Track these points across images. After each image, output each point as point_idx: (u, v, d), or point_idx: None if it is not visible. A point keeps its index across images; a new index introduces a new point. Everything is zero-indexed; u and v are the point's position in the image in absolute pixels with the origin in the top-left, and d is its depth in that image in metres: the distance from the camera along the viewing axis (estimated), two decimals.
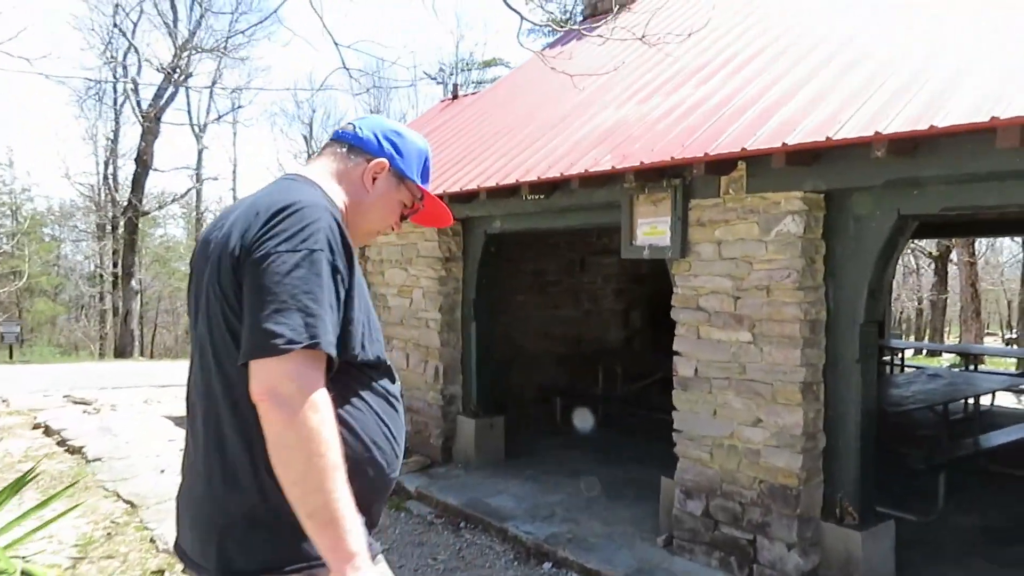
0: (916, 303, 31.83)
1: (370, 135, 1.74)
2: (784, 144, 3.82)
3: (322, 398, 1.38)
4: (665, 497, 5.03)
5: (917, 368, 9.91)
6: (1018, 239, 26.21)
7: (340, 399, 1.50)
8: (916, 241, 24.04)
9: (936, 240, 22.04)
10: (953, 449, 5.44)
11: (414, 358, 7.22)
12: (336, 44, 4.49)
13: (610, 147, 5.11)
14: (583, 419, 8.03)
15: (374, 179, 1.72)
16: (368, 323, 1.59)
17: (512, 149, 6.28)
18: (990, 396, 9.34)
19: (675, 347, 4.81)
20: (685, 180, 4.69)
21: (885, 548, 4.30)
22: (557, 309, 9.18)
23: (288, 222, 1.43)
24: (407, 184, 1.78)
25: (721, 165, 4.35)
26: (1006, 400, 9.94)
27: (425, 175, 1.83)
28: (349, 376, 1.54)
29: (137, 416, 9.31)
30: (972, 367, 10.16)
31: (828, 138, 3.65)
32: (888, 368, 10.59)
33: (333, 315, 1.43)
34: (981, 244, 24.90)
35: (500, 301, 7.95)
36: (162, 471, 6.29)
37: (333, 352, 1.42)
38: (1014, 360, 13.78)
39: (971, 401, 7.43)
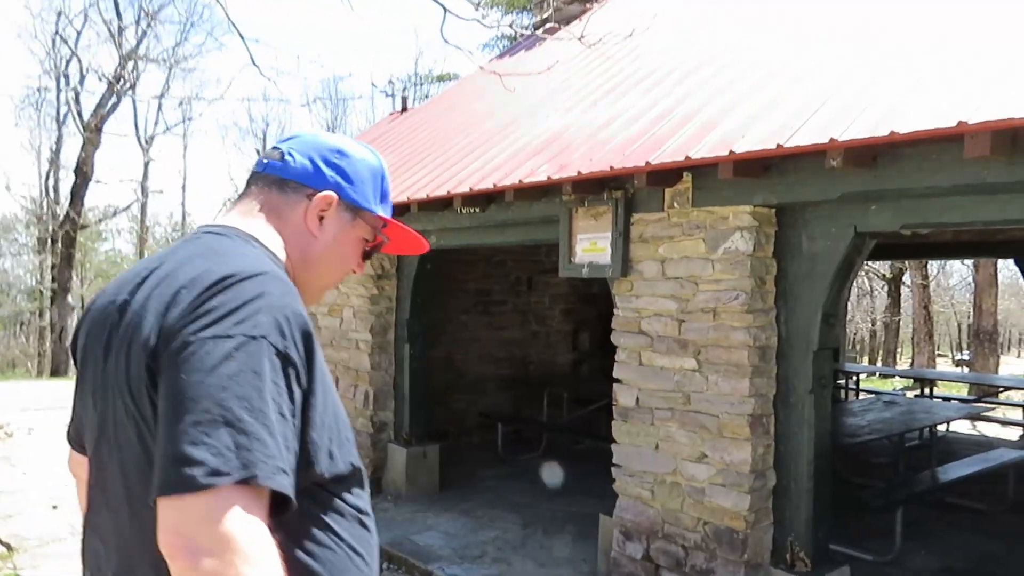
0: (870, 325, 32.14)
1: (305, 161, 1.30)
2: (731, 152, 3.46)
3: (261, 549, 0.94)
4: (604, 537, 4.61)
5: (872, 393, 9.68)
6: (968, 262, 26.61)
7: (299, 535, 1.09)
8: (870, 264, 24.29)
9: (890, 263, 22.20)
10: (910, 484, 5.11)
11: (344, 382, 6.72)
12: (242, 37, 4.04)
13: (548, 156, 4.72)
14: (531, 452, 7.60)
15: (321, 219, 1.30)
16: (336, 424, 1.16)
17: (448, 159, 5.86)
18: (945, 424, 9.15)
19: (615, 374, 4.41)
20: (627, 193, 4.32)
21: None
22: (502, 330, 8.75)
23: (221, 298, 1.02)
24: (364, 215, 1.35)
25: (665, 176, 3.98)
26: (960, 426, 9.75)
27: (384, 197, 1.40)
28: (311, 500, 1.11)
29: (53, 441, 8.63)
30: (928, 392, 9.96)
31: (779, 145, 3.29)
32: (843, 393, 10.36)
33: (284, 426, 1.00)
34: (932, 267, 25.20)
35: (440, 322, 7.50)
36: (55, 507, 5.68)
37: (282, 486, 0.97)
38: (965, 384, 13.71)
39: (927, 429, 7.18)
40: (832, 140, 3.11)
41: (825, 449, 3.88)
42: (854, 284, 28.69)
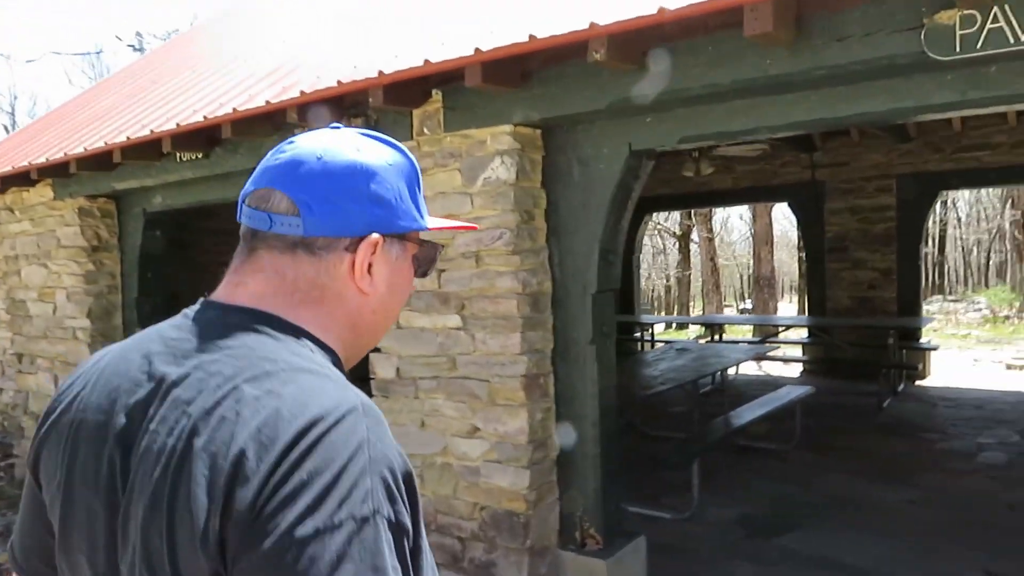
0: (665, 281, 33.82)
1: (329, 207, 0.86)
2: (478, 51, 2.77)
3: None
4: None
5: (666, 343, 9.68)
6: (747, 218, 28.52)
7: None
8: (662, 222, 25.37)
9: (679, 220, 23.21)
10: (705, 435, 4.82)
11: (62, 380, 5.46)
12: None
13: (274, 81, 3.83)
14: None
15: (370, 267, 0.90)
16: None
17: (164, 97, 4.78)
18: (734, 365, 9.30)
19: None
20: (369, 119, 3.53)
21: (635, 572, 3.44)
22: None
23: (312, 463, 0.72)
24: (412, 234, 0.96)
25: (408, 93, 3.23)
26: (748, 368, 10.00)
27: (420, 196, 0.98)
28: None
29: None
30: (717, 337, 10.14)
31: (532, 37, 2.64)
32: (640, 345, 10.33)
33: None
34: (716, 223, 26.67)
35: (181, 300, 6.36)
36: None
37: None
38: (751, 328, 14.38)
39: (719, 373, 7.10)
40: (593, 25, 2.49)
41: (611, 406, 3.36)
42: (648, 242, 29.98)
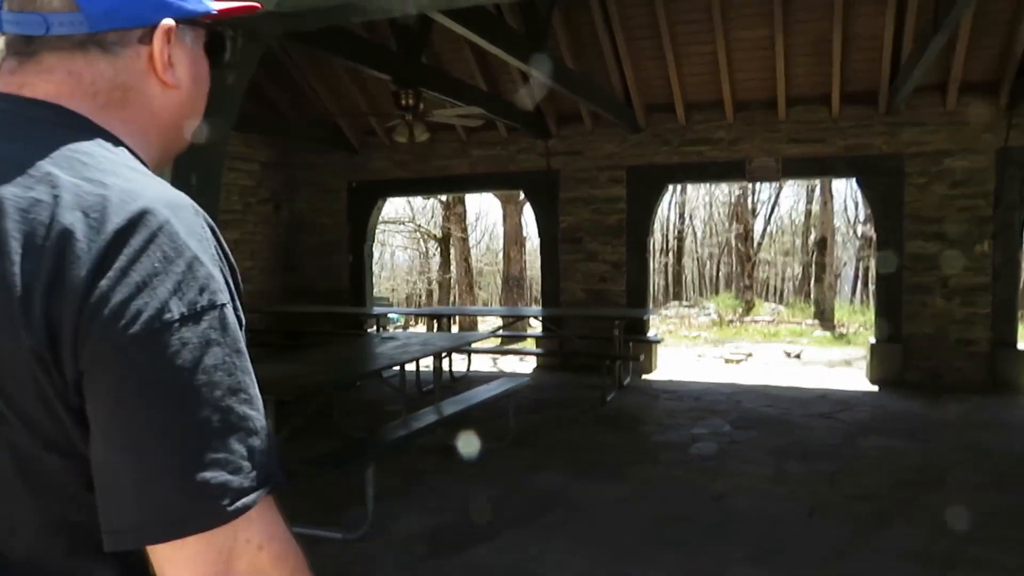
0: (427, 284, 33.51)
1: None
2: None
3: (294, 551, 0.71)
4: None
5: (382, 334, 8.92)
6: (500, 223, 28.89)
7: None
8: (423, 225, 24.88)
9: (440, 224, 22.89)
10: (384, 433, 4.01)
11: None
12: None
13: None
14: None
15: (170, 59, 0.80)
16: None
17: None
18: (467, 362, 8.72)
19: None
20: None
21: None
22: None
23: (157, 250, 0.67)
24: (199, 19, 0.84)
25: None
26: (483, 364, 9.50)
27: None
28: None
29: None
30: (445, 330, 9.54)
31: None
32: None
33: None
34: (480, 229, 26.69)
35: None
36: None
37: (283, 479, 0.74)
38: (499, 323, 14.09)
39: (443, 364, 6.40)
40: None
41: None
42: (411, 245, 29.43)
